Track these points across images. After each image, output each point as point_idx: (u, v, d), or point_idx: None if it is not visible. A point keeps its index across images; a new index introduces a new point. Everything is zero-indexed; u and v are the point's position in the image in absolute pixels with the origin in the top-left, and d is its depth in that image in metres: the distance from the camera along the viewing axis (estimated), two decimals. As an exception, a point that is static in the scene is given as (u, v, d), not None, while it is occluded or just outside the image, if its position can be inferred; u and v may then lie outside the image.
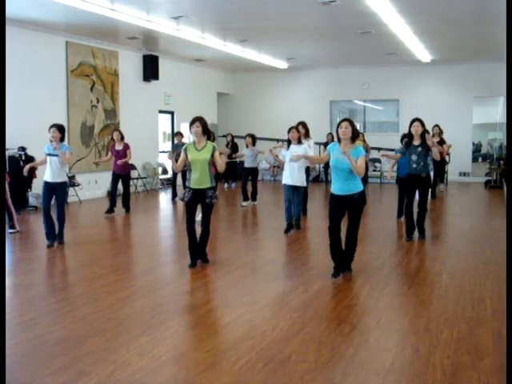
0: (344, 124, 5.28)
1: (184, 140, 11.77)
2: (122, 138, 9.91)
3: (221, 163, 5.85)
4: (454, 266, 6.11)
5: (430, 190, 7.63)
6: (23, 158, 10.10)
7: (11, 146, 9.85)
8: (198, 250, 5.95)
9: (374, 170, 15.70)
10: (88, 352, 3.65)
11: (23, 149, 10.16)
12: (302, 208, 9.02)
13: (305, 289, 5.11)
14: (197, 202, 5.83)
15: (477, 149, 18.50)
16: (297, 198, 7.97)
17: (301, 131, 8.26)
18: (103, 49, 12.45)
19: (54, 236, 7.12)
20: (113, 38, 12.10)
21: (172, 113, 15.28)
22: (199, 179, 5.75)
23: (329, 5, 8.84)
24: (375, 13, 9.33)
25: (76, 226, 9.16)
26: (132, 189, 13.28)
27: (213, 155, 5.72)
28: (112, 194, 9.91)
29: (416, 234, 7.44)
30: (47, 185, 7.06)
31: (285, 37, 11.87)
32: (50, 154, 7.02)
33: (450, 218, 10.24)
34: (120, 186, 10.04)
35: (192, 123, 5.76)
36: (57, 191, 7.08)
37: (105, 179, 12.50)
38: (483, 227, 9.01)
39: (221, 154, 6.24)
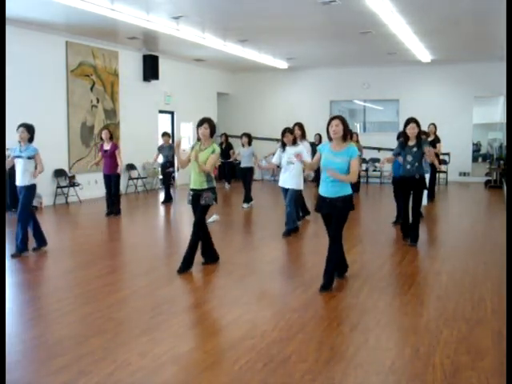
0: (335, 122, 4.97)
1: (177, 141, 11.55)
2: (111, 137, 9.74)
3: (202, 165, 5.58)
4: (454, 266, 6.11)
5: (424, 193, 7.25)
6: (23, 157, 10.09)
7: (11, 145, 9.83)
8: (190, 258, 5.74)
9: (374, 170, 15.71)
10: (88, 352, 3.65)
11: (23, 149, 10.13)
12: (302, 208, 8.98)
13: (305, 289, 5.11)
14: (197, 203, 5.75)
15: (477, 149, 18.50)
16: (288, 198, 7.68)
17: (297, 132, 8.12)
18: (103, 49, 12.45)
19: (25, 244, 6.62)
20: (113, 38, 12.10)
21: (172, 113, 15.28)
22: (196, 179, 5.70)
23: (329, 5, 8.84)
24: (375, 13, 9.33)
25: (76, 226, 9.17)
26: (132, 189, 13.32)
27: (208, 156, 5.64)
28: (108, 196, 9.81)
29: (408, 241, 7.10)
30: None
31: (285, 37, 11.88)
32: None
33: (450, 217, 10.24)
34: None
35: (200, 124, 5.66)
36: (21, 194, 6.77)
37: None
38: (483, 227, 9.00)
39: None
